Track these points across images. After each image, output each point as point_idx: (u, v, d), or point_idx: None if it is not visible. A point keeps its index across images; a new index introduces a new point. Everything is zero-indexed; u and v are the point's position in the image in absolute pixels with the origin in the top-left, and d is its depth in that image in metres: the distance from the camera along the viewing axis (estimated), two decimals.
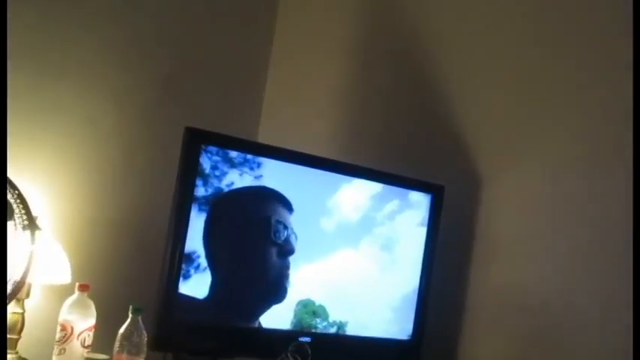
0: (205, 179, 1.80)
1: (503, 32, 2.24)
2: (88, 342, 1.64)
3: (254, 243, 1.91)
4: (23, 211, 1.53)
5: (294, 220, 1.94)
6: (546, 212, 2.12)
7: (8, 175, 1.53)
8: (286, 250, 1.93)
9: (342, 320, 2.02)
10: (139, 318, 1.53)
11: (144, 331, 1.55)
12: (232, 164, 1.85)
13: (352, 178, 2.04)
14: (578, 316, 2.03)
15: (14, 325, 1.62)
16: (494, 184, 2.20)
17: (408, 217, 2.13)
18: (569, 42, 2.15)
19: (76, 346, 1.61)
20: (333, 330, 2.00)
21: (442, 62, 2.32)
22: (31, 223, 1.54)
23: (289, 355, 1.85)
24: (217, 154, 1.83)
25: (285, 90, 2.53)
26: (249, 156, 1.87)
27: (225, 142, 1.85)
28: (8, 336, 1.61)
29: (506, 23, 2.25)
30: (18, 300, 1.60)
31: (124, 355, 1.49)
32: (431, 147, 2.31)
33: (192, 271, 1.79)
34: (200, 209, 1.80)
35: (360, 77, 2.45)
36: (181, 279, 1.76)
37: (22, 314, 1.62)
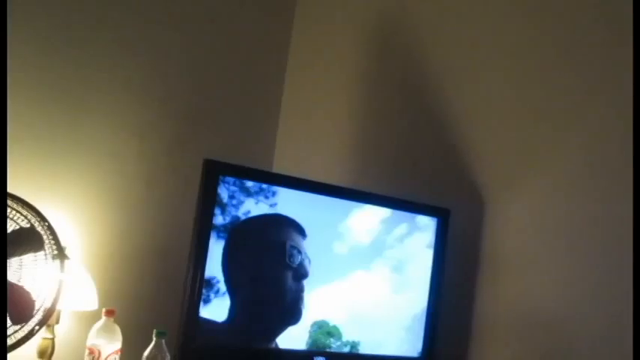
0: (223, 208, 1.83)
1: (506, 64, 2.26)
2: None
3: (270, 268, 1.92)
4: (53, 242, 1.55)
5: (308, 245, 1.95)
6: (550, 231, 2.11)
7: (39, 207, 1.55)
8: (301, 274, 1.94)
9: (355, 340, 2.02)
10: (163, 341, 1.54)
11: (167, 354, 1.56)
12: (248, 193, 1.87)
13: (362, 204, 2.05)
14: (587, 330, 2.01)
15: (45, 350, 1.63)
16: (498, 206, 2.20)
17: (416, 240, 2.14)
18: (566, 72, 2.16)
19: None
20: (346, 349, 2.01)
21: (448, 91, 2.33)
22: (60, 253, 1.56)
23: None
24: (234, 184, 1.85)
25: (298, 122, 2.55)
26: (264, 185, 1.89)
27: (242, 173, 1.87)
28: None
29: (509, 54, 2.26)
30: (48, 326, 1.61)
31: None
32: (437, 172, 2.32)
33: (212, 295, 1.80)
34: (219, 237, 1.81)
35: (368, 108, 2.48)
36: (202, 303, 1.78)
37: (52, 339, 1.64)
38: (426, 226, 2.14)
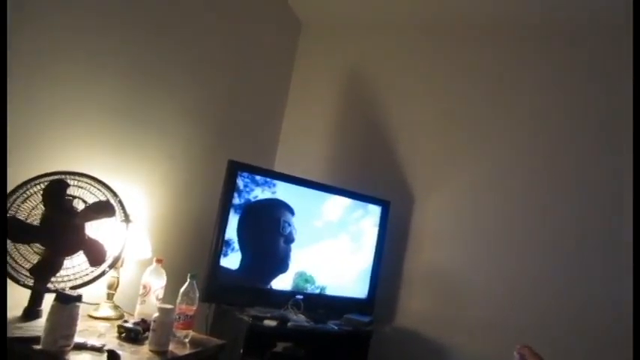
0: (240, 193, 1.82)
1: (429, 106, 2.28)
2: (160, 296, 1.60)
3: (269, 234, 1.92)
4: (122, 211, 1.51)
5: (295, 221, 1.95)
6: (454, 218, 2.15)
7: (113, 186, 1.49)
8: (289, 240, 1.94)
9: (324, 285, 2.03)
10: (194, 281, 1.50)
11: (197, 290, 1.51)
12: (257, 184, 1.87)
13: (333, 195, 2.06)
14: (472, 282, 2.06)
15: (112, 284, 1.57)
16: (422, 200, 2.23)
17: (367, 221, 2.15)
18: (471, 118, 2.18)
19: (152, 299, 1.57)
20: (317, 291, 2.01)
21: (393, 123, 2.34)
22: (127, 218, 1.51)
23: (289, 306, 1.85)
24: (248, 177, 1.84)
25: (292, 137, 2.53)
26: (268, 179, 1.89)
27: (253, 170, 1.86)
28: (108, 291, 1.57)
29: (433, 99, 2.28)
30: (116, 268, 1.55)
31: (184, 306, 1.45)
32: (383, 176, 2.31)
33: (229, 251, 1.80)
34: (235, 212, 1.81)
35: (340, 131, 2.46)
36: (222, 256, 1.77)
37: (118, 278, 1.58)
38: (374, 211, 2.16)
